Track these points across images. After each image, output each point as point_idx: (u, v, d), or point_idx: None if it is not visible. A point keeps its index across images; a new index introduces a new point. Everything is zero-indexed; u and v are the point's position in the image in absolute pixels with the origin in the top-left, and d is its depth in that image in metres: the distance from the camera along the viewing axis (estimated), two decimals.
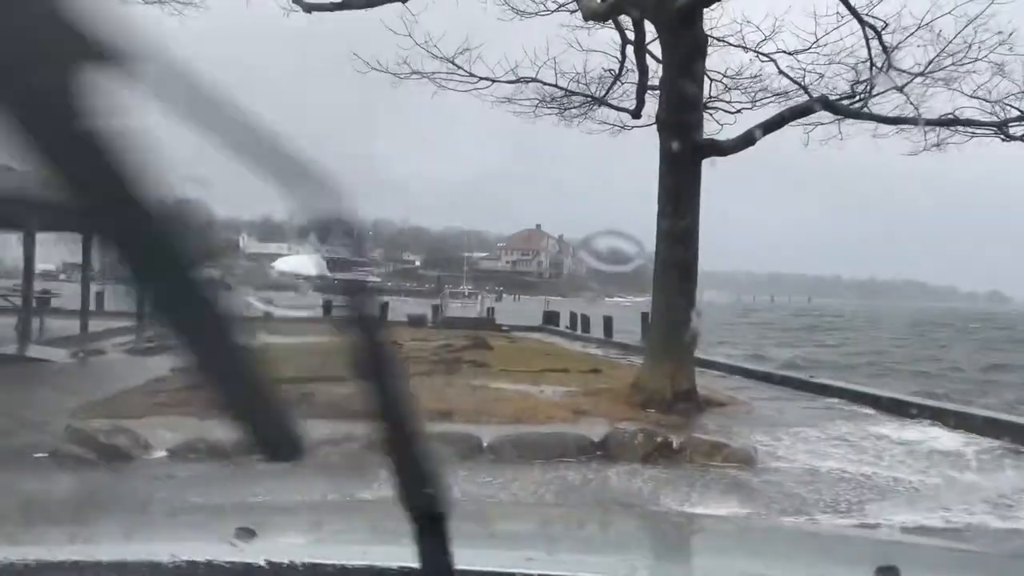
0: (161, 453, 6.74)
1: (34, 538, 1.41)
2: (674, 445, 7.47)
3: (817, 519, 5.77)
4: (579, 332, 26.13)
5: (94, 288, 17.94)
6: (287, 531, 1.44)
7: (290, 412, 0.72)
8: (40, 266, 17.41)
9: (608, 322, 24.23)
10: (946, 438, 8.86)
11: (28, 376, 11.12)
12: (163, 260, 0.60)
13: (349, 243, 0.74)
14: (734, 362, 16.48)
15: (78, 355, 13.78)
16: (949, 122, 11.69)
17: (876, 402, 11.10)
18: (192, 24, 11.91)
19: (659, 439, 7.53)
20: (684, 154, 10.36)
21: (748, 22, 12.46)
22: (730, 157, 10.87)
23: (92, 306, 17.67)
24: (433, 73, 12.83)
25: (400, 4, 11.68)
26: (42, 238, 15.10)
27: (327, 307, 31.61)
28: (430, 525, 0.81)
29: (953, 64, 11.23)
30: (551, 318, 29.86)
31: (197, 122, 0.57)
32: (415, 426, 0.82)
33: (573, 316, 28.10)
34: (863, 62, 12.10)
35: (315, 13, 11.91)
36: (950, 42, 10.97)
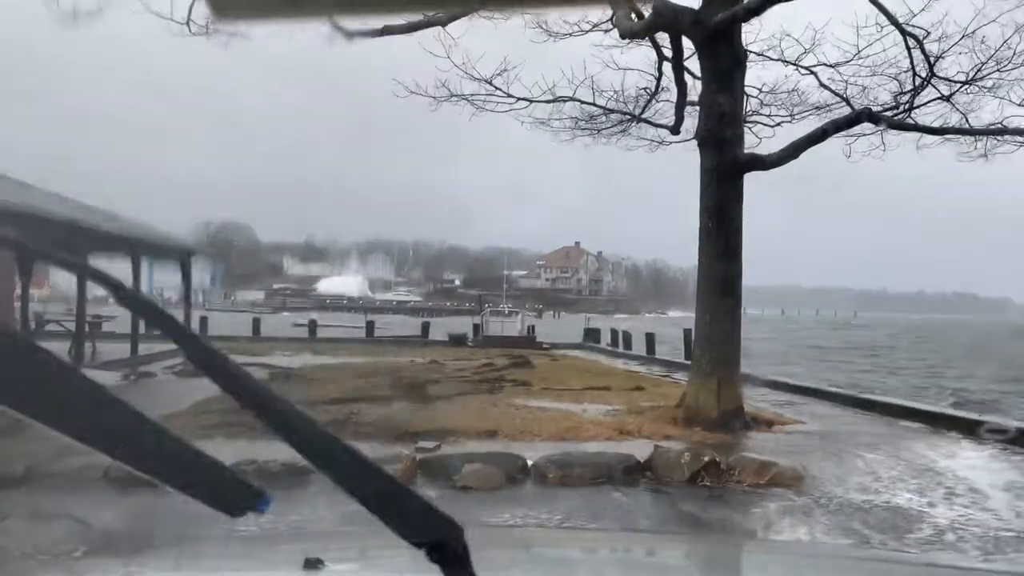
0: None
1: (90, 568, 1.44)
2: (722, 465, 7.36)
3: (871, 544, 5.62)
4: (621, 349, 25.95)
5: None
6: (352, 561, 1.43)
7: (223, 466, 0.69)
8: (90, 291, 17.85)
9: (650, 339, 24.01)
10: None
11: None
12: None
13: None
14: (779, 377, 16.20)
15: (129, 378, 14.10)
16: (996, 131, 11.41)
17: (932, 419, 10.82)
18: (235, 53, 12.17)
19: (706, 459, 7.41)
20: (725, 169, 10.29)
21: (787, 35, 12.35)
22: (773, 170, 10.75)
23: (142, 329, 18.08)
24: (471, 95, 12.95)
25: (439, 28, 11.82)
26: (92, 263, 15.50)
27: (369, 327, 31.76)
28: (454, 562, 0.76)
29: (1000, 72, 10.99)
30: (592, 335, 29.71)
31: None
32: (355, 455, 0.73)
33: (614, 333, 27.93)
34: (905, 72, 11.90)
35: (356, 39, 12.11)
36: (997, 50, 10.74)
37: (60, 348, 15.36)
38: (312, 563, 1.10)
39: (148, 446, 0.67)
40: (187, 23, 11.27)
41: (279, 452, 7.27)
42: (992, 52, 10.75)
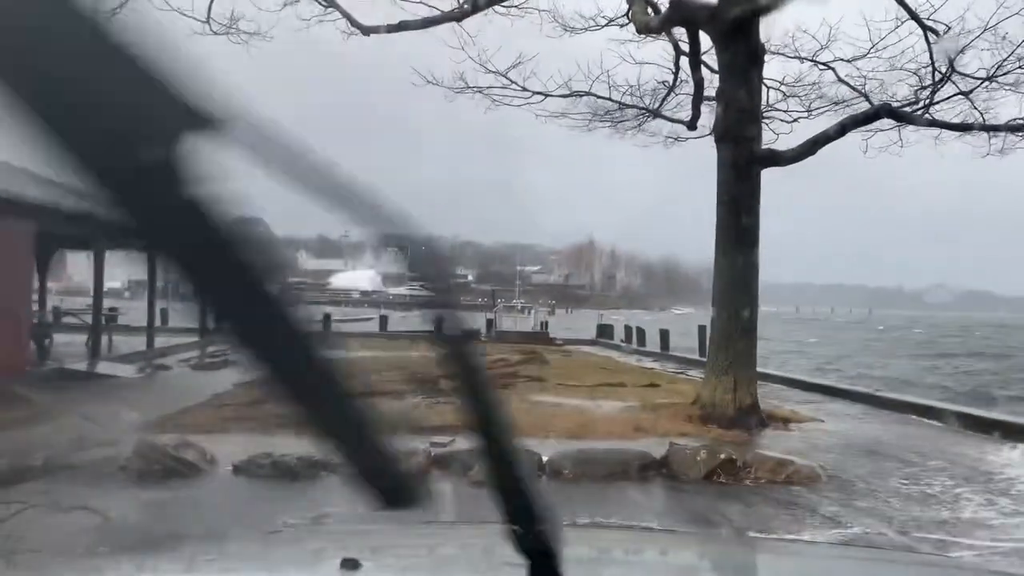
0: (227, 468, 6.85)
1: (114, 565, 1.42)
2: (738, 463, 7.31)
3: (892, 542, 5.57)
4: (634, 345, 25.87)
5: (159, 305, 18.48)
6: (388, 559, 1.39)
7: (395, 452, 0.68)
8: (106, 284, 17.97)
9: (664, 335, 23.94)
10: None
11: (98, 392, 11.48)
12: (234, 275, 0.57)
13: (427, 264, 0.72)
14: (795, 375, 16.11)
15: (145, 371, 14.18)
16: (1017, 127, 11.28)
17: (943, 417, 10.72)
18: (256, 52, 12.18)
19: (723, 456, 7.37)
20: (742, 165, 10.21)
21: (804, 31, 12.25)
22: (789, 166, 10.67)
23: (157, 322, 18.18)
24: (487, 87, 12.92)
25: (454, 24, 11.79)
26: (108, 257, 15.62)
27: (382, 322, 31.78)
28: (542, 561, 0.78)
29: (1021, 67, 10.85)
30: (605, 331, 29.64)
31: (276, 171, 0.55)
32: (515, 452, 0.79)
33: (628, 329, 27.85)
34: (925, 67, 11.78)
35: (372, 35, 12.12)
36: (1019, 45, 10.60)
37: (77, 340, 15.48)
38: (349, 563, 1.08)
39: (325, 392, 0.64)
40: (207, 21, 11.32)
41: (295, 446, 7.29)
42: (1014, 48, 10.63)
